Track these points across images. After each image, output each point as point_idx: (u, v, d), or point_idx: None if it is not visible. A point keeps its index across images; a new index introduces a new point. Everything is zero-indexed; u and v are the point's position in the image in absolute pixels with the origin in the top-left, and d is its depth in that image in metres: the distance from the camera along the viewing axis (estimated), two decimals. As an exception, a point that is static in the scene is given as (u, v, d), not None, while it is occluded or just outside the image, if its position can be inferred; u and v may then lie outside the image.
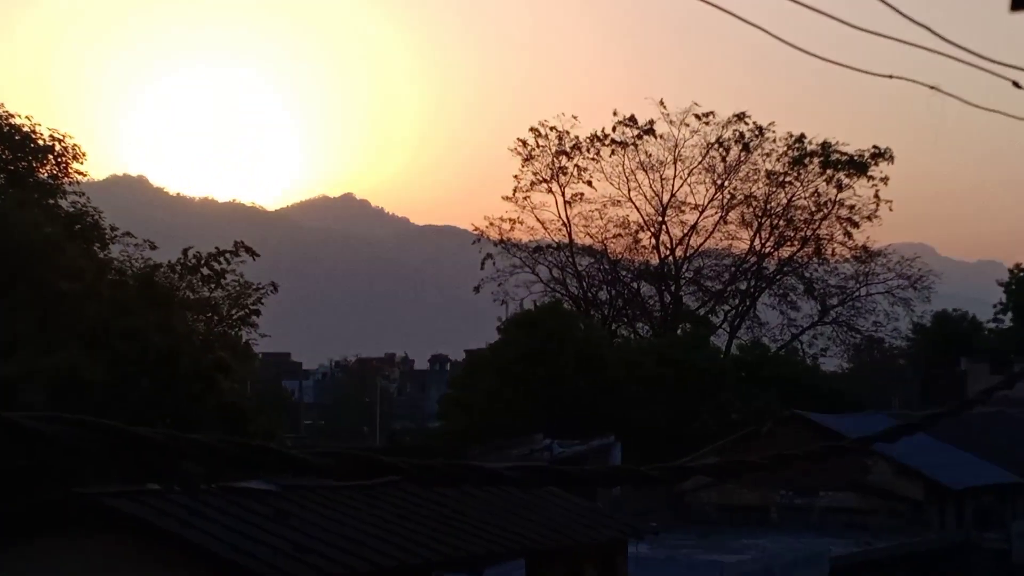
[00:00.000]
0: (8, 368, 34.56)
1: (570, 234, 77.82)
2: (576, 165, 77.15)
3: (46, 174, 51.47)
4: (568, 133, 76.92)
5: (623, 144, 76.84)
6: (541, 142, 77.24)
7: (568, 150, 76.93)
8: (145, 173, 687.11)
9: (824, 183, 76.40)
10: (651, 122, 76.34)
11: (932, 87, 14.19)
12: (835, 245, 77.95)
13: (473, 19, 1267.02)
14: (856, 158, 75.73)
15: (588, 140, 76.91)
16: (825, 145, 75.91)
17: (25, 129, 51.42)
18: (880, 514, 51.46)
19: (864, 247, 77.51)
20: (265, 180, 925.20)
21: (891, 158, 75.88)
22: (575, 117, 76.25)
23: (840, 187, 76.20)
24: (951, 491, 52.77)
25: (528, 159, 77.45)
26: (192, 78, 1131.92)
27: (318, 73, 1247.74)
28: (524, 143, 77.42)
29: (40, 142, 51.53)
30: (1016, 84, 13.98)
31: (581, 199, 77.62)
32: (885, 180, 76.02)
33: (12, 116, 51.21)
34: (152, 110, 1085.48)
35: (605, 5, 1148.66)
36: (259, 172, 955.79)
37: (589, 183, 77.51)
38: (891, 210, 76.72)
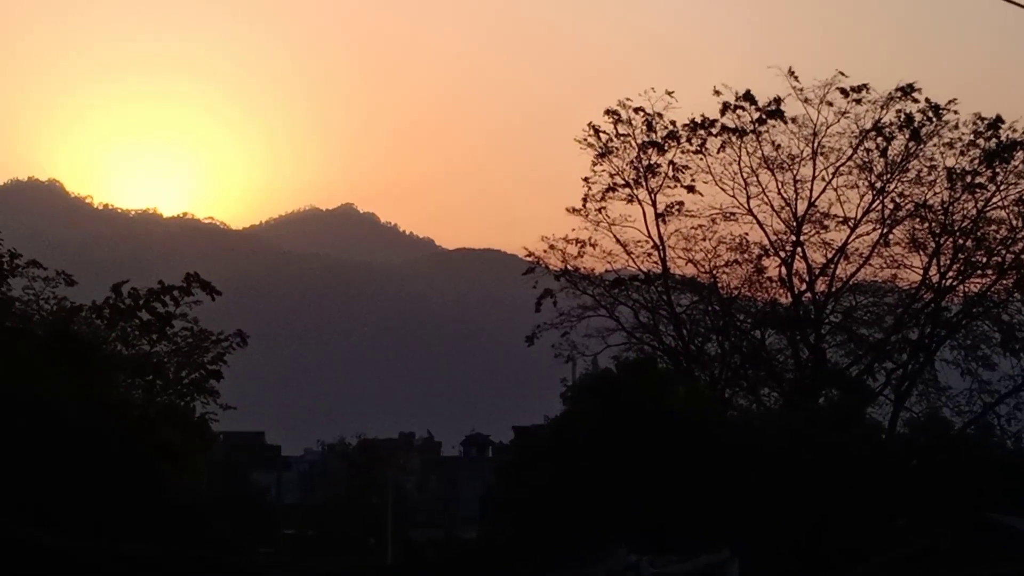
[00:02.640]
0: None
1: (664, 261, 77.51)
2: (672, 162, 76.79)
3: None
4: (661, 117, 76.57)
5: (739, 132, 76.32)
6: (622, 130, 76.87)
7: (661, 141, 76.64)
8: (60, 178, 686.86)
9: (1029, 181, 75.92)
10: (778, 100, 75.76)
11: None
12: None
13: None
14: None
15: (688, 127, 76.50)
16: (1033, 125, 75.45)
17: None
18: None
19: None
20: (229, 189, 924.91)
21: None
22: (670, 94, 75.71)
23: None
24: None
25: (604, 154, 77.12)
26: (128, 63, 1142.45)
27: (305, 59, 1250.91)
28: (598, 131, 77.08)
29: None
30: None
31: (680, 211, 77.30)
32: None
33: None
34: (72, 100, 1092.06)
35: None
36: (220, 179, 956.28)
37: (691, 188, 77.10)
38: None
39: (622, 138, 76.55)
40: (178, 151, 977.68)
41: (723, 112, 75.72)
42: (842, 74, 74.41)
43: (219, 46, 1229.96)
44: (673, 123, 76.23)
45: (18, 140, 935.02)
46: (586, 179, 77.03)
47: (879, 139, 75.58)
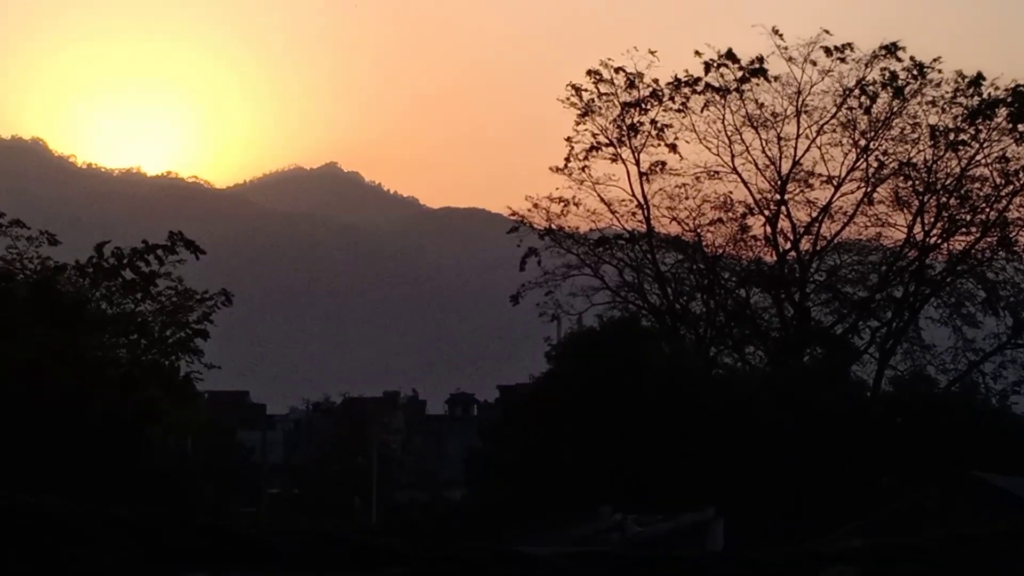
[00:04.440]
0: None
1: (648, 220, 77.39)
2: (654, 121, 76.66)
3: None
4: (642, 77, 76.42)
5: (722, 91, 76.20)
6: (605, 89, 76.75)
7: (643, 100, 76.53)
8: (44, 137, 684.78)
9: (1015, 144, 75.83)
10: (761, 59, 75.72)
11: None
12: (1032, 234, 77.40)
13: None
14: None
15: (671, 86, 76.37)
16: (1017, 90, 75.32)
17: None
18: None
19: (1074, 239, 77.09)
20: (213, 148, 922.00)
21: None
22: (652, 53, 75.64)
23: (1038, 143, 75.72)
24: None
25: (587, 113, 76.99)
26: (111, 20, 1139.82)
27: (282, 13, 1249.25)
28: (580, 91, 76.99)
29: None
30: None
31: (663, 170, 77.14)
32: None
33: None
34: (56, 58, 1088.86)
35: None
36: (204, 137, 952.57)
37: (673, 147, 76.95)
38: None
39: (604, 97, 76.45)
40: (162, 110, 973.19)
41: (706, 71, 75.59)
42: (827, 32, 74.49)
43: (205, 3, 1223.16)
44: (656, 82, 76.10)
45: (17, 95, 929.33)
46: (569, 139, 76.87)
47: (863, 97, 75.50)
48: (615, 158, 76.74)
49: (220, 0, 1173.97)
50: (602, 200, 77.16)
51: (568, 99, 76.95)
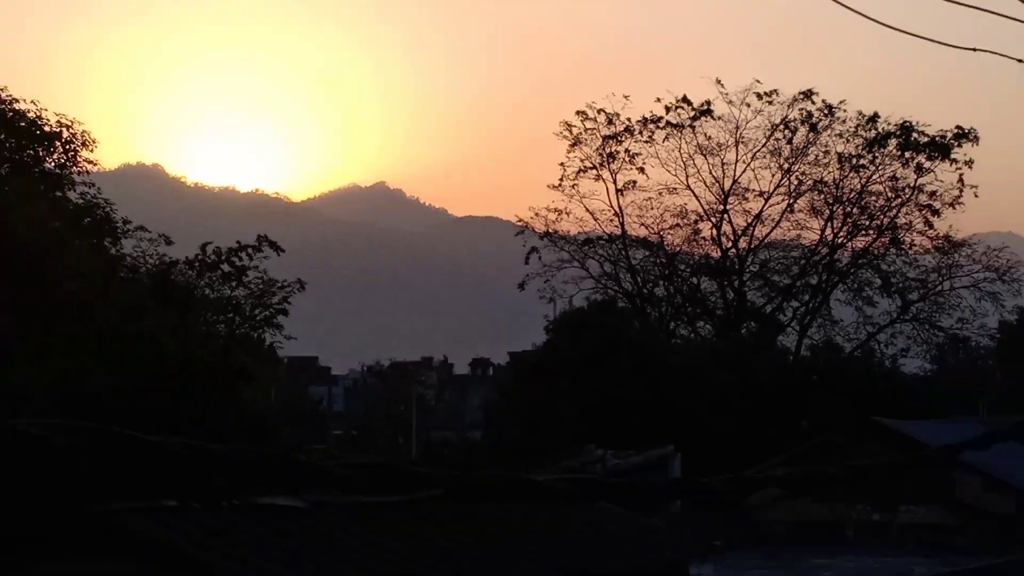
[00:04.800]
0: (12, 376, 34.67)
1: (623, 225, 77.51)
2: (627, 150, 76.82)
3: (53, 163, 51.45)
4: (618, 116, 76.65)
5: (678, 127, 76.45)
6: (589, 125, 76.93)
7: (619, 134, 76.63)
8: (161, 162, 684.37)
9: (902, 167, 75.80)
10: (708, 102, 75.97)
11: (1021, 60, 14.06)
12: (915, 235, 77.19)
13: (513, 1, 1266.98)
14: (938, 139, 75.01)
15: (640, 123, 76.57)
16: (903, 125, 75.18)
17: (31, 115, 51.42)
18: (968, 532, 51.17)
19: (947, 237, 76.63)
20: (291, 169, 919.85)
21: (976, 139, 75.18)
22: (626, 97, 75.74)
23: (920, 171, 75.55)
24: (1049, 506, 52.53)
25: (575, 144, 77.17)
26: (212, 63, 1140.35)
27: (347, 58, 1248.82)
28: (570, 127, 77.19)
29: (47, 128, 51.54)
30: None
31: (634, 187, 77.31)
32: (969, 163, 75.18)
33: (16, 101, 51.28)
34: (169, 96, 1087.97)
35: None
36: (284, 160, 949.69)
37: (642, 170, 77.24)
38: (976, 196, 75.81)
39: (589, 131, 76.77)
40: (253, 137, 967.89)
41: (667, 111, 76.24)
42: (758, 81, 74.88)
43: (298, 44, 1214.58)
44: (628, 119, 76.61)
45: (128, 129, 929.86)
46: (562, 164, 77.36)
47: (786, 131, 75.86)
48: (597, 178, 77.21)
49: (295, 53, 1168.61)
50: (587, 210, 77.55)
51: (561, 133, 77.26)
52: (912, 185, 75.89)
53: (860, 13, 12.33)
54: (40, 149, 51.29)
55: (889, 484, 50.57)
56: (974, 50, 14.06)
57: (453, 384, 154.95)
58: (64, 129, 51.79)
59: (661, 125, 76.37)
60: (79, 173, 51.92)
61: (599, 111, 76.58)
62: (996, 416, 60.85)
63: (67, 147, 51.86)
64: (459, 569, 31.03)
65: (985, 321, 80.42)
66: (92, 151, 52.94)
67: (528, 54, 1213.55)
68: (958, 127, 75.25)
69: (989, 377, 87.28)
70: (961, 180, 75.23)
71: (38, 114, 51.39)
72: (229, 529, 29.09)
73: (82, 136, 52.08)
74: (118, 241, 48.84)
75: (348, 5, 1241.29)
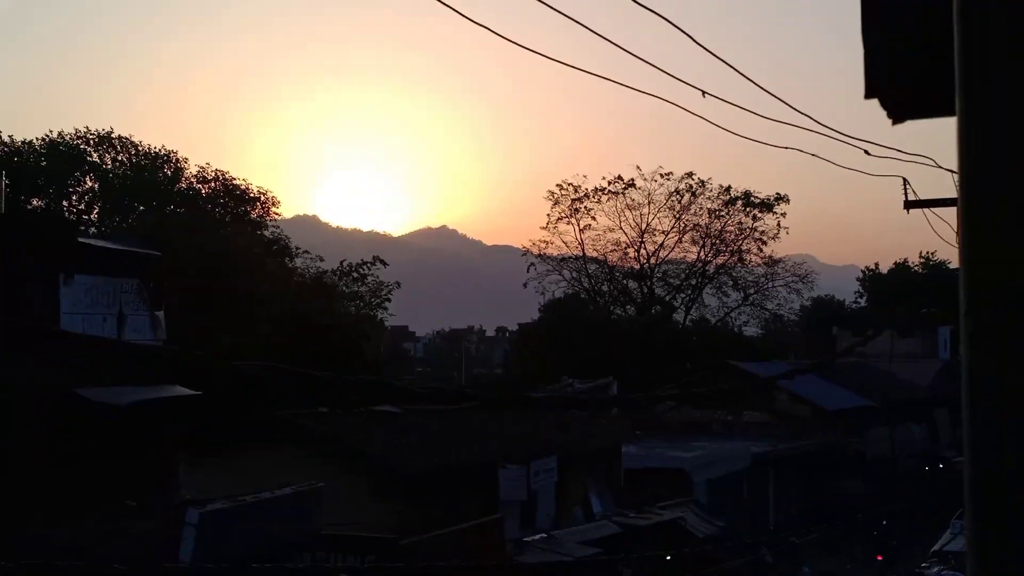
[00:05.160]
0: (229, 338, 34.72)
1: (583, 250, 77.11)
2: (586, 206, 76.61)
3: (255, 215, 51.69)
4: (580, 187, 76.59)
5: (615, 193, 76.12)
6: (563, 192, 76.89)
7: (580, 197, 76.52)
8: (316, 212, 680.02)
9: (744, 216, 75.82)
10: (632, 180, 75.83)
11: (813, 154, 14.49)
12: (752, 255, 77.07)
13: (532, 104, 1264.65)
14: (765, 200, 75.56)
15: (593, 191, 76.46)
16: (746, 193, 75.38)
17: (242, 186, 51.68)
18: (782, 427, 51.18)
19: (770, 256, 76.81)
20: (392, 213, 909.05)
21: (787, 199, 76.10)
22: (584, 176, 76.42)
23: (755, 219, 75.62)
24: (828, 411, 52.60)
25: (555, 203, 76.89)
26: (341, 136, 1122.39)
27: (432, 126, 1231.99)
28: (552, 193, 77.22)
29: (250, 194, 51.76)
30: (867, 152, 14.16)
31: (589, 227, 76.86)
32: (784, 215, 75.78)
33: (234, 179, 51.53)
34: (317, 164, 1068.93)
35: (613, 103, 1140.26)
36: (388, 208, 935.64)
37: (594, 218, 76.74)
38: (787, 232, 76.58)
39: (564, 195, 76.46)
40: (365, 186, 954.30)
41: (609, 184, 75.97)
42: (661, 167, 75.32)
43: (394, 125, 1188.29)
44: (586, 189, 76.22)
45: (296, 183, 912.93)
46: (548, 214, 76.92)
47: (677, 195, 75.58)
48: (568, 222, 76.65)
49: (393, 128, 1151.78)
50: (563, 241, 76.88)
51: (548, 197, 77.08)
52: (751, 226, 75.94)
53: (729, 130, 12.26)
54: (248, 207, 51.47)
55: (735, 399, 50.54)
56: (787, 148, 14.37)
57: (486, 342, 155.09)
58: (261, 195, 51.99)
59: (605, 192, 76.19)
60: (270, 221, 52.12)
61: (569, 185, 76.61)
62: (798, 360, 60.98)
63: (263, 206, 52.04)
64: (490, 445, 31.02)
65: (792, 306, 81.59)
66: (277, 207, 53.20)
67: (533, 137, 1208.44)
68: (777, 193, 76.19)
69: (794, 338, 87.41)
70: (779, 224, 75.60)
71: (247, 187, 51.61)
72: (360, 425, 29.06)
73: (271, 199, 52.29)
74: (292, 260, 48.92)
75: (427, 97, 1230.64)
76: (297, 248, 50.02)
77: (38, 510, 18.65)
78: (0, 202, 24.60)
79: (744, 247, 76.86)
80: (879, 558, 40.86)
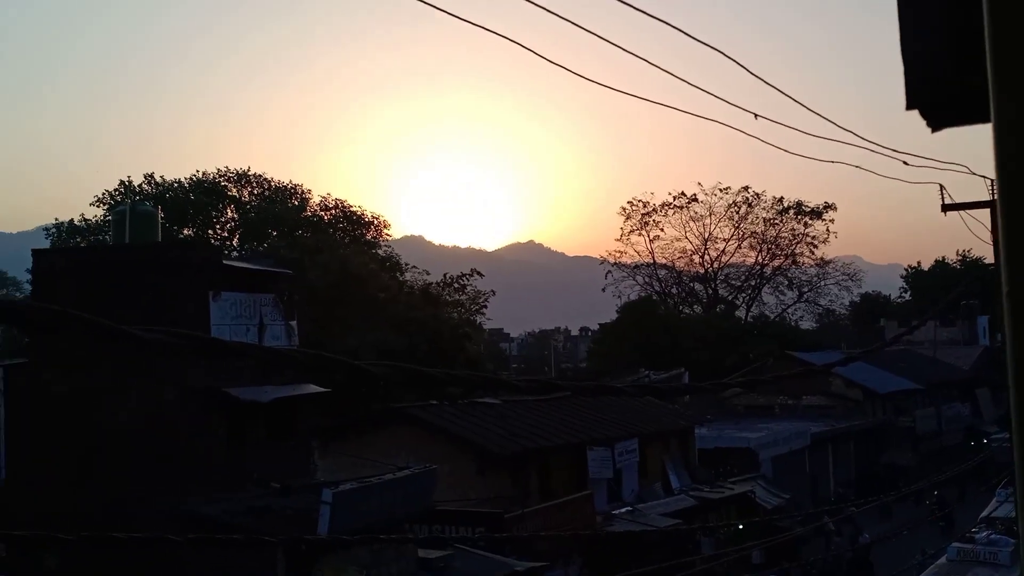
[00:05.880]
0: (351, 342, 35.18)
1: (653, 258, 76.61)
2: (654, 220, 76.10)
3: (370, 236, 52.26)
4: (648, 203, 76.10)
5: (680, 207, 75.64)
6: (634, 208, 76.46)
7: (649, 212, 76.02)
8: (422, 232, 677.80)
9: (796, 223, 74.73)
10: (695, 195, 75.30)
11: (857, 166, 14.27)
12: (804, 258, 75.96)
13: (604, 129, 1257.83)
14: (815, 209, 74.55)
15: (660, 206, 75.95)
16: (798, 202, 74.55)
17: (358, 213, 52.32)
18: (838, 408, 50.22)
19: (821, 258, 75.76)
20: (486, 231, 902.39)
21: (835, 207, 75.03)
22: (652, 193, 76.20)
23: (806, 225, 74.61)
24: (878, 394, 51.50)
25: (627, 218, 76.55)
26: (441, 163, 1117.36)
27: (517, 152, 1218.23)
28: (624, 209, 76.90)
29: (365, 219, 52.36)
30: (905, 162, 13.92)
31: (658, 238, 76.40)
32: (832, 220, 74.81)
33: (351, 206, 52.19)
34: (422, 189, 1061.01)
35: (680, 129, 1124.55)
36: (484, 226, 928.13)
37: (662, 229, 76.26)
38: (836, 236, 76.65)
39: (635, 210, 76.04)
40: (466, 209, 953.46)
41: (674, 199, 75.47)
42: (720, 182, 74.60)
43: (488, 146, 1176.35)
44: (654, 205, 75.72)
45: (404, 207, 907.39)
46: (621, 228, 76.58)
47: (735, 207, 74.73)
48: (640, 234, 76.18)
49: (488, 150, 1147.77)
50: (635, 251, 76.58)
51: (620, 212, 76.71)
52: (802, 232, 74.83)
53: (782, 148, 12.16)
54: (363, 230, 52.09)
55: (796, 384, 49.70)
56: (832, 162, 14.16)
57: (571, 341, 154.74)
58: (374, 219, 52.58)
59: (672, 207, 75.67)
60: (383, 241, 52.70)
61: (640, 201, 76.20)
62: (850, 349, 59.80)
63: (376, 228, 52.63)
64: (579, 429, 30.95)
65: (843, 301, 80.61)
66: (388, 229, 53.76)
67: (606, 159, 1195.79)
68: (825, 202, 75.38)
69: (845, 330, 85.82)
70: (828, 229, 74.47)
71: (361, 212, 52.25)
72: (463, 414, 29.22)
73: (382, 222, 52.86)
74: (402, 274, 49.36)
75: (518, 122, 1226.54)
76: (406, 264, 50.45)
77: (197, 490, 19.16)
78: (157, 232, 25.32)
79: (797, 251, 75.70)
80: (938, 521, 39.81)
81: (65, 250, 37.66)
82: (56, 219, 49.47)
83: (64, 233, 48.15)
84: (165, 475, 19.73)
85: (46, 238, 48.12)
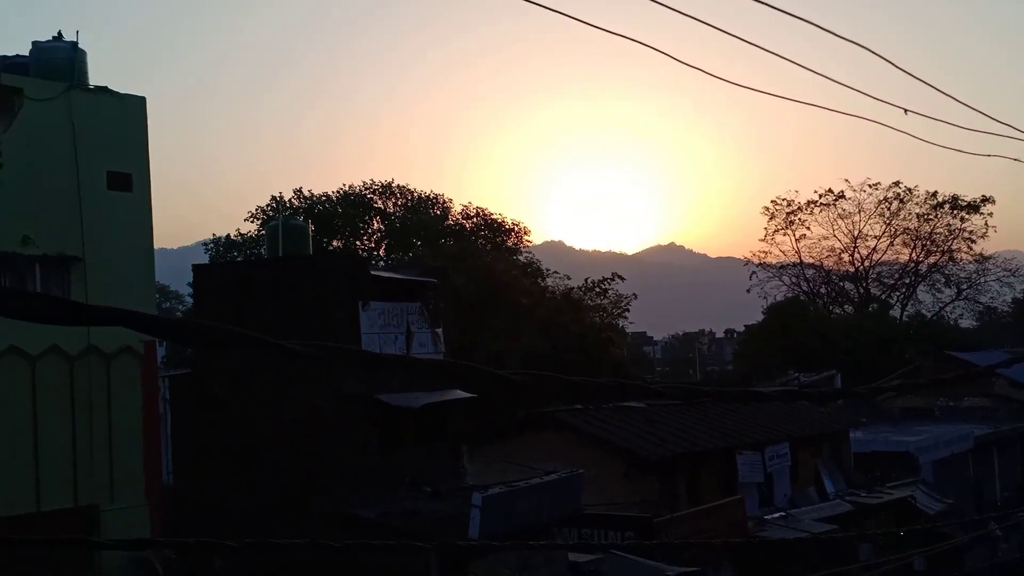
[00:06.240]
0: (498, 347, 35.60)
1: (800, 257, 74.58)
2: (800, 218, 74.15)
3: (511, 243, 52.77)
4: (793, 202, 74.20)
5: (827, 204, 73.47)
6: (777, 207, 74.70)
7: (795, 210, 74.11)
8: (562, 238, 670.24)
9: (952, 218, 71.50)
10: (842, 191, 72.91)
11: (1016, 159, 13.70)
12: (962, 254, 72.54)
13: (743, 129, 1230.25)
14: (972, 203, 71.18)
15: (806, 204, 73.94)
16: (953, 196, 71.37)
17: (499, 220, 52.94)
18: (1001, 410, 47.87)
19: (980, 254, 72.30)
20: (626, 234, 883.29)
21: (993, 201, 71.43)
22: (796, 191, 73.97)
23: (963, 220, 71.32)
24: (1046, 394, 48.93)
25: (772, 217, 74.72)
26: (580, 168, 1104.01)
27: (654, 154, 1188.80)
28: (767, 208, 75.16)
29: (505, 226, 52.92)
30: None
31: (804, 237, 74.30)
32: (991, 215, 71.17)
33: (492, 214, 52.85)
34: (558, 192, 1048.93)
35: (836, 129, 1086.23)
36: (623, 229, 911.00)
37: (808, 228, 74.09)
38: (995, 231, 72.35)
39: (778, 210, 74.29)
40: (603, 213, 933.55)
41: (820, 196, 73.39)
42: (869, 178, 72.02)
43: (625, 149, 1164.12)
44: (799, 203, 73.80)
45: (540, 211, 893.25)
46: (765, 228, 74.85)
47: (886, 203, 72.11)
48: (785, 233, 74.35)
49: (621, 152, 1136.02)
50: (780, 251, 74.73)
51: (764, 212, 75.07)
52: (959, 227, 71.59)
53: (934, 143, 11.80)
54: (504, 237, 52.66)
55: (956, 386, 47.60)
56: (989, 156, 13.71)
57: (716, 343, 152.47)
58: (515, 226, 53.08)
59: (818, 204, 73.55)
60: (523, 247, 53.14)
61: (782, 200, 74.41)
62: (1014, 349, 57.03)
63: (517, 235, 53.11)
64: (727, 433, 30.48)
65: (1005, 298, 76.72)
66: (528, 235, 54.19)
67: (746, 159, 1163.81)
68: (983, 195, 71.77)
69: (1009, 329, 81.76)
70: (986, 223, 71.01)
71: (502, 220, 52.84)
72: (608, 418, 29.20)
73: (523, 228, 53.32)
74: (544, 279, 49.62)
75: (626, 130, 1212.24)
76: (547, 269, 50.69)
77: (353, 493, 19.76)
78: (308, 245, 26.28)
79: (954, 247, 72.42)
80: None
81: (223, 264, 39.48)
82: (214, 234, 51.80)
83: (221, 247, 50.40)
84: (322, 478, 20.44)
85: (205, 253, 50.46)
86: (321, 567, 17.88)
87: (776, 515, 28.14)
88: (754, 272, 74.62)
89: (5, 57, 21.15)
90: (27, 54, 21.04)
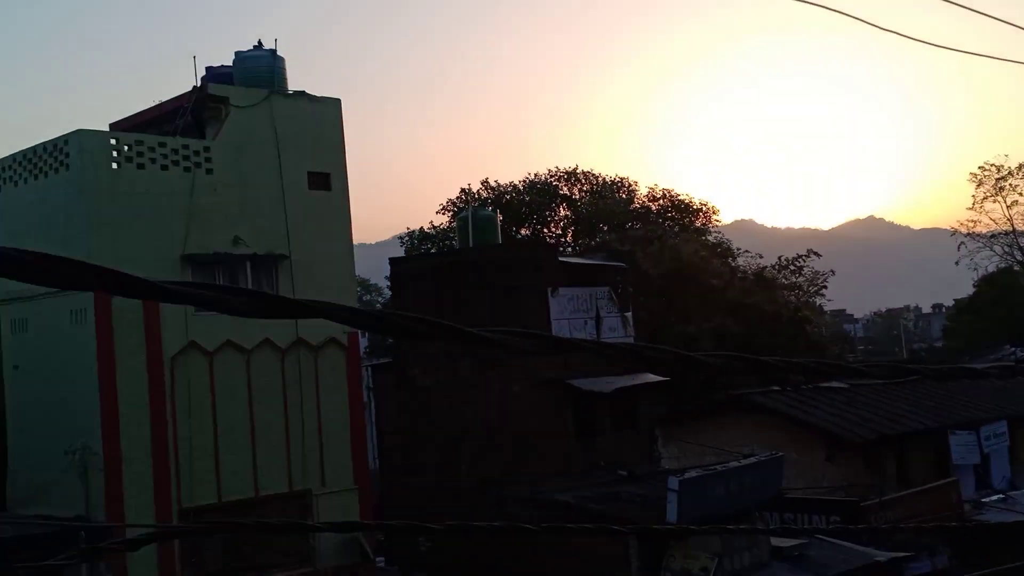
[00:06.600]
0: (689, 330, 35.22)
1: (1012, 225, 69.52)
2: (1011, 184, 69.18)
3: (699, 224, 52.02)
4: (1003, 167, 69.32)
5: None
6: (986, 173, 70.01)
7: (1005, 176, 69.23)
8: (752, 216, 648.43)
9: None
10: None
11: None
12: None
13: (941, 95, 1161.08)
14: None
15: (1017, 168, 68.91)
16: None
17: (686, 201, 52.28)
18: None
19: None
20: (822, 209, 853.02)
21: None
22: (1006, 155, 68.73)
23: None
24: None
25: (979, 184, 70.08)
26: (768, 142, 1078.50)
27: (845, 123, 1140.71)
28: (975, 175, 70.53)
29: (693, 207, 52.19)
30: None
31: (1016, 203, 69.31)
32: None
33: (679, 195, 52.25)
34: (747, 170, 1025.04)
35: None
36: (817, 203, 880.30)
37: (1021, 193, 69.14)
38: None
39: (986, 176, 69.50)
40: (794, 189, 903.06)
41: (1035, 158, 67.92)
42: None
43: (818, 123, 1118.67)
44: (1009, 168, 68.71)
45: (729, 189, 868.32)
46: (973, 196, 70.21)
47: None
48: (995, 200, 69.40)
49: (825, 128, 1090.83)
50: (990, 219, 69.90)
51: (971, 178, 70.50)
52: None
53: None
54: (691, 217, 51.96)
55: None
56: None
57: (922, 319, 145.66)
58: (703, 206, 52.29)
59: (1031, 167, 68.53)
60: (712, 227, 52.26)
61: (991, 166, 69.56)
62: None
63: (705, 215, 52.30)
64: (938, 413, 29.04)
65: None
66: (717, 215, 53.24)
67: (944, 126, 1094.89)
68: None
69: None
70: None
71: (690, 200, 52.13)
72: (807, 399, 28.40)
73: (711, 208, 52.44)
74: (735, 259, 48.57)
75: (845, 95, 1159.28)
76: (738, 248, 49.63)
77: (551, 476, 20.07)
78: (497, 234, 26.77)
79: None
80: None
81: (417, 256, 40.81)
82: (408, 228, 53.51)
83: (416, 240, 51.99)
84: (522, 462, 20.84)
85: (400, 246, 52.21)
86: (524, 547, 18.25)
87: (995, 497, 26.63)
88: (962, 243, 70.48)
89: (211, 68, 22.57)
90: (230, 64, 22.37)
